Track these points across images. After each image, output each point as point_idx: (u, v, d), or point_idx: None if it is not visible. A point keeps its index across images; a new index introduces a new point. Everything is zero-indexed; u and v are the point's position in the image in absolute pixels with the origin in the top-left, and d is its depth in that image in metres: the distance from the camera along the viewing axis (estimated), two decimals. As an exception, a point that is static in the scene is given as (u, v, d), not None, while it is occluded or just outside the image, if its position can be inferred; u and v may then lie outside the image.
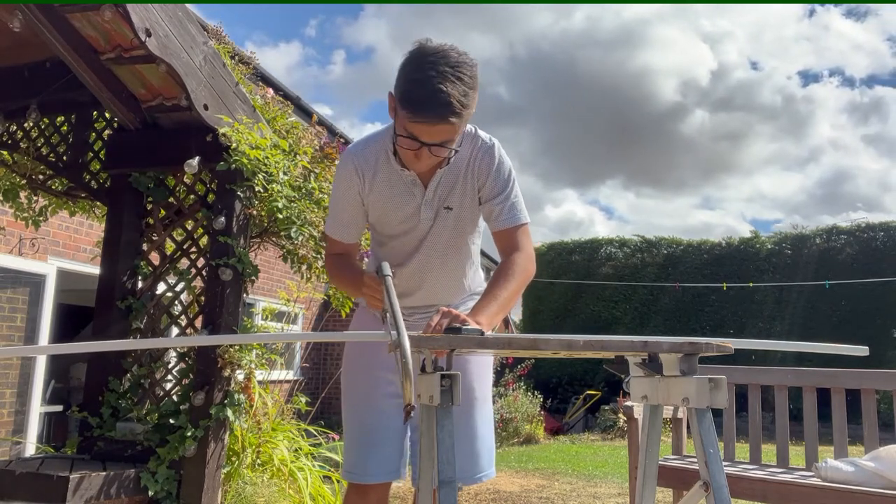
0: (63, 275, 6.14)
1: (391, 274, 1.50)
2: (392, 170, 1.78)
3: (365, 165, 1.80)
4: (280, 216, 2.93)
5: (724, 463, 3.02)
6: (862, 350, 1.66)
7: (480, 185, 1.81)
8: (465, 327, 1.36)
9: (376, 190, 1.81)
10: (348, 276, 1.84)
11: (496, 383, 9.89)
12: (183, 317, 3.16)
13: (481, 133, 1.82)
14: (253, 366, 2.94)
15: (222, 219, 2.87)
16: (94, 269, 3.60)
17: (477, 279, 2.02)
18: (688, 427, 3.33)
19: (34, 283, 5.78)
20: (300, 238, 2.99)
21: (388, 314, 1.30)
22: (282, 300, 4.48)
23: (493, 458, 1.94)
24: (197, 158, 2.86)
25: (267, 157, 2.89)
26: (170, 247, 3.24)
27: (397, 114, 1.63)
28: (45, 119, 3.37)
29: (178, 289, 3.13)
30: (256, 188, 2.92)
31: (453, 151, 1.67)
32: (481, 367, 1.95)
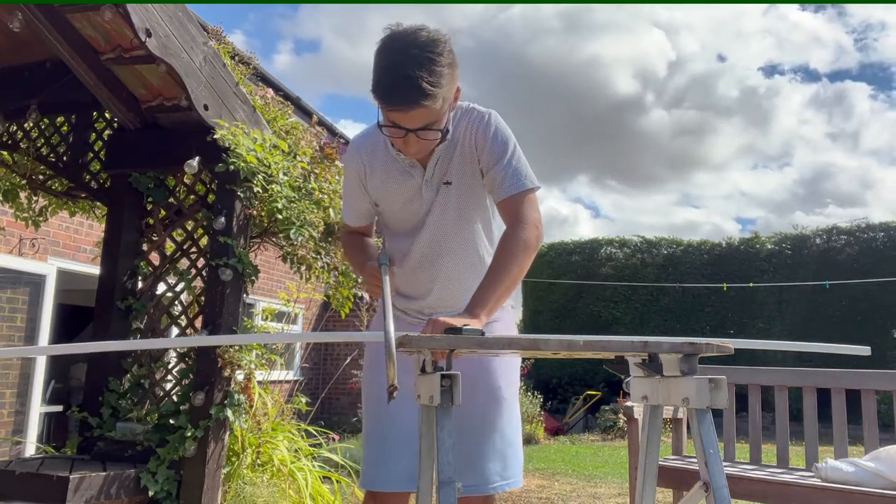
0: (63, 275, 6.14)
1: (387, 263, 1.61)
2: (389, 155, 1.78)
3: (365, 151, 1.82)
4: (280, 217, 2.93)
5: (724, 463, 3.02)
6: (864, 350, 1.64)
7: (479, 154, 1.74)
8: (465, 327, 1.36)
9: (377, 174, 1.81)
10: (356, 257, 1.90)
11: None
12: (183, 317, 3.16)
13: (477, 106, 1.78)
14: (253, 366, 2.94)
15: (222, 219, 2.87)
16: (94, 269, 3.60)
17: None
18: (688, 427, 3.33)
19: (34, 283, 5.78)
20: (300, 239, 2.99)
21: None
22: (282, 301, 4.48)
23: (521, 465, 1.83)
24: (197, 159, 2.86)
25: (266, 158, 2.89)
26: (170, 247, 3.24)
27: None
28: (45, 119, 3.37)
29: (178, 289, 3.14)
30: (256, 189, 2.92)
31: (442, 134, 1.63)
32: (508, 366, 1.84)
